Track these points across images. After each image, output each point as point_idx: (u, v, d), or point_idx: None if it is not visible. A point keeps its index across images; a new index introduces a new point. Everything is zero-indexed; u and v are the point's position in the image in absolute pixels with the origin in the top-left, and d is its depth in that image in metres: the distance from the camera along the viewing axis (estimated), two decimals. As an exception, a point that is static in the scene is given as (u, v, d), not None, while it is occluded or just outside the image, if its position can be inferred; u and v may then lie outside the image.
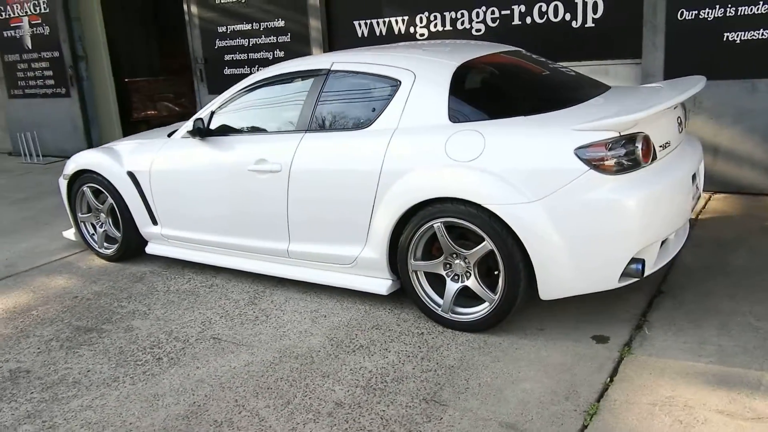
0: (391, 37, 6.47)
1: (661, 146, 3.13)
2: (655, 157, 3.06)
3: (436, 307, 3.34)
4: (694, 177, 3.40)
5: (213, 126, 4.08)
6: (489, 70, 3.69)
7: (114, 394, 3.01)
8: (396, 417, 2.64)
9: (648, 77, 5.23)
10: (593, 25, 5.49)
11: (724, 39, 4.90)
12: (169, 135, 4.40)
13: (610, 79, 5.47)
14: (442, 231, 3.21)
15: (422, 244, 3.33)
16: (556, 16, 5.61)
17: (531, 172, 2.97)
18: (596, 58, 5.54)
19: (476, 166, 3.07)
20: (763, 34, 4.77)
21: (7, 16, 9.55)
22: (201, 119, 4.04)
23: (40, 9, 9.13)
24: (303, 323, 3.55)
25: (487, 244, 3.09)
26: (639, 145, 2.94)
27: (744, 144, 5.01)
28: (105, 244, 4.80)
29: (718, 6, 4.87)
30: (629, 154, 2.93)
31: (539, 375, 2.85)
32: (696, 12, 4.96)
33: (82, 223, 4.90)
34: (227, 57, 7.59)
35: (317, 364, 3.12)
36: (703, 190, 5.10)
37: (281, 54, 7.16)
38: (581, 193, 2.89)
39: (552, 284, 3.04)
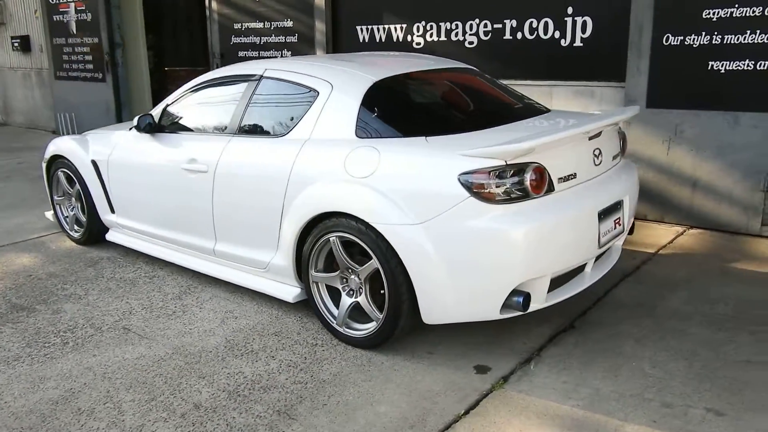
0: (389, 44, 6.47)
1: (562, 178, 3.01)
2: (551, 189, 2.96)
3: (333, 320, 3.35)
4: (613, 210, 3.26)
5: (164, 122, 4.21)
6: (414, 87, 3.65)
7: (9, 372, 3.17)
8: (241, 425, 2.67)
9: (630, 102, 5.02)
10: (581, 44, 5.32)
11: (708, 68, 4.65)
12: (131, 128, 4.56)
13: (596, 102, 5.31)
14: (336, 245, 3.21)
15: (323, 256, 3.34)
16: (546, 32, 5.47)
17: (417, 194, 2.93)
18: (583, 78, 5.36)
19: (369, 183, 3.05)
20: (748, 65, 4.50)
21: (56, 2, 10.10)
22: (151, 115, 4.18)
23: (85, -4, 9.61)
24: (212, 322, 3.63)
25: (374, 262, 3.07)
26: (528, 176, 2.85)
27: (724, 179, 4.74)
28: (75, 227, 5.04)
29: (704, 33, 4.62)
30: (517, 183, 2.85)
31: (401, 399, 2.82)
32: (681, 38, 4.72)
33: (58, 206, 5.15)
34: (241, 53, 7.77)
35: (201, 364, 3.18)
36: (681, 224, 4.90)
37: (288, 53, 7.28)
38: (462, 219, 2.83)
39: (433, 308, 2.99)
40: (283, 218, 3.42)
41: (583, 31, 5.29)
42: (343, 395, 2.87)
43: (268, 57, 7.44)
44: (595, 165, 3.25)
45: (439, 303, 2.97)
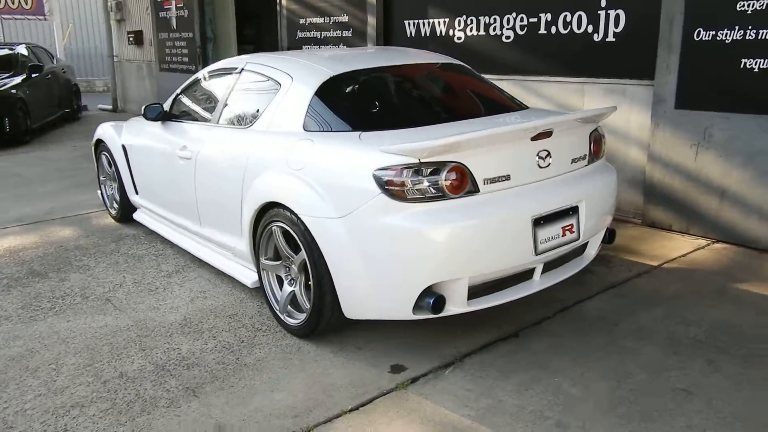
0: (433, 38, 6.42)
1: (489, 179, 2.89)
2: (475, 190, 2.85)
3: (277, 307, 3.44)
4: (561, 217, 3.09)
5: (174, 111, 4.50)
6: (372, 82, 3.63)
7: (-7, 329, 3.58)
8: (147, 397, 2.84)
9: (659, 102, 4.65)
10: (614, 39, 4.99)
11: (741, 66, 4.20)
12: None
13: (627, 101, 4.97)
14: (277, 235, 3.29)
15: (271, 244, 3.43)
16: (579, 27, 5.18)
17: (338, 188, 2.95)
18: (615, 75, 5.02)
19: (301, 175, 3.11)
20: (784, 64, 4.02)
21: (162, 0, 10.95)
22: (160, 104, 4.48)
23: (183, -6, 10.35)
24: (182, 300, 3.85)
25: (303, 254, 3.12)
26: (443, 175, 2.77)
27: (754, 190, 4.27)
28: (114, 205, 5.51)
29: (737, 27, 4.18)
30: (434, 183, 2.78)
31: (301, 389, 2.86)
32: (714, 32, 4.30)
33: (102, 185, 5.65)
34: (305, 47, 8.03)
35: (150, 337, 3.41)
36: (706, 237, 4.49)
37: (343, 47, 7.42)
38: (375, 215, 2.82)
39: (351, 303, 3.00)
40: (242, 206, 3.56)
41: (616, 25, 4.96)
42: (253, 379, 2.96)
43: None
44: (540, 167, 3.08)
45: (355, 298, 2.98)
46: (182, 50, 10.70)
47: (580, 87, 5.24)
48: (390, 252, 2.81)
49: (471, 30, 6.04)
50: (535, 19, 5.49)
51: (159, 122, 4.51)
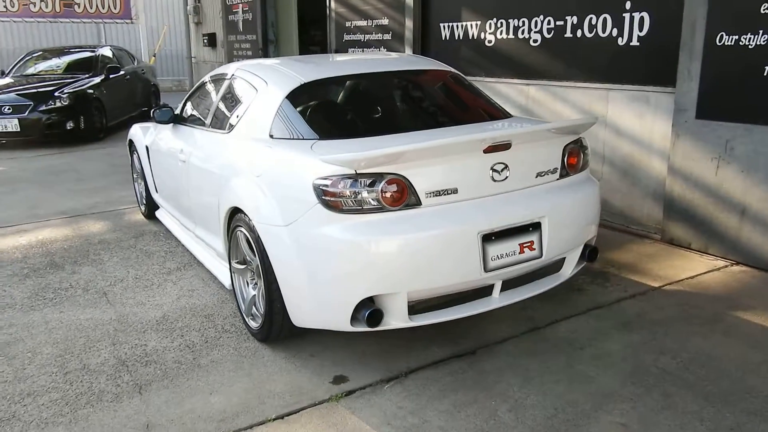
0: (465, 41, 6.29)
1: (433, 192, 2.81)
2: (416, 203, 2.78)
3: (243, 309, 3.50)
4: (517, 233, 2.95)
5: (184, 114, 4.67)
6: (344, 90, 3.60)
7: (-4, 316, 3.86)
8: (98, 390, 2.97)
9: (680, 111, 4.34)
10: (638, 44, 4.69)
11: (765, 74, 3.84)
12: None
13: (651, 109, 4.67)
14: (240, 239, 3.35)
15: (240, 249, 3.49)
16: (604, 30, 4.91)
17: (285, 197, 2.96)
18: (638, 82, 4.73)
19: (259, 182, 3.14)
20: (810, 72, 3.64)
21: (231, 3, 11.35)
22: (170, 108, 4.66)
23: (249, -2, 10.69)
24: (169, 297, 3.99)
25: (256, 259, 3.16)
26: (380, 187, 2.72)
27: (777, 209, 3.90)
28: (143, 202, 5.78)
29: (761, 32, 3.82)
30: (371, 194, 2.73)
31: (239, 394, 2.89)
32: (736, 37, 3.95)
33: (135, 183, 5.95)
34: (350, 50, 8.09)
35: (126, 332, 3.55)
36: (726, 258, 4.16)
37: (383, 50, 7.41)
38: (313, 225, 2.81)
39: (296, 311, 3.01)
40: (219, 210, 3.65)
41: (641, 28, 4.66)
42: (199, 380, 3.03)
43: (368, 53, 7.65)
44: (495, 181, 2.95)
45: (299, 306, 2.98)
46: (247, 52, 11.06)
47: (605, 93, 4.98)
48: (326, 263, 2.79)
49: (501, 33, 5.87)
50: (561, 22, 5.26)
51: (170, 125, 4.69)
